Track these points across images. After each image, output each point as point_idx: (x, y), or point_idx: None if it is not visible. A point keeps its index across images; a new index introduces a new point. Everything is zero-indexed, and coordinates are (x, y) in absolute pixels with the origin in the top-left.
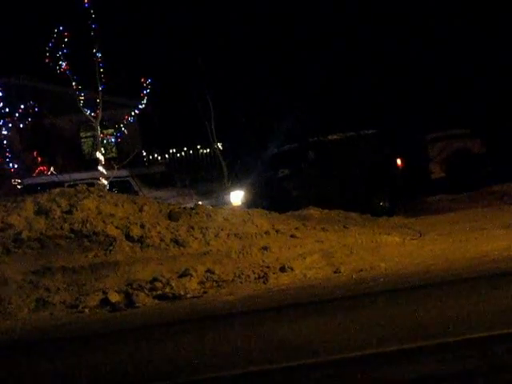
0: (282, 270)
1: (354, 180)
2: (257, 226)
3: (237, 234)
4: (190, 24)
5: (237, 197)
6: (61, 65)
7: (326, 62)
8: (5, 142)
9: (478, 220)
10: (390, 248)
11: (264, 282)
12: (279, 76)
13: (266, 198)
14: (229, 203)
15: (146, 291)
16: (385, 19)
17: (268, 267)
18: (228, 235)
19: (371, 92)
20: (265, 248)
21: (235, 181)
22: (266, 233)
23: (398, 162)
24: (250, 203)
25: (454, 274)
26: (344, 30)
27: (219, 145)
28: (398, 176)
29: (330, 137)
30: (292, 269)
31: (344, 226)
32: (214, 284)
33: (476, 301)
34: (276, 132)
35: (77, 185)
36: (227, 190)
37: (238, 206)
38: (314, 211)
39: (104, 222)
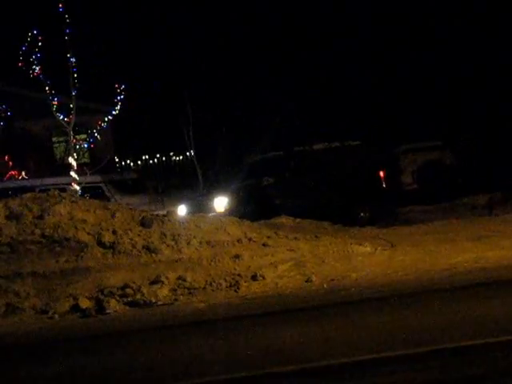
0: (254, 278)
1: (337, 190)
2: (229, 233)
3: (209, 242)
4: (167, 29)
5: (221, 203)
6: (34, 69)
7: (308, 69)
8: None
9: (449, 231)
10: (361, 258)
11: (235, 290)
12: (263, 81)
13: (249, 206)
14: (212, 210)
15: (117, 298)
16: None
17: (240, 275)
18: (200, 243)
19: (351, 102)
20: (237, 256)
21: (213, 187)
22: (239, 241)
23: (381, 173)
24: (233, 210)
25: (424, 285)
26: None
27: (192, 152)
28: (380, 188)
29: (314, 146)
30: (264, 277)
31: (316, 236)
32: (186, 291)
33: (445, 311)
34: (258, 138)
35: (49, 190)
36: (211, 196)
37: (220, 213)
38: (286, 220)
39: (76, 227)
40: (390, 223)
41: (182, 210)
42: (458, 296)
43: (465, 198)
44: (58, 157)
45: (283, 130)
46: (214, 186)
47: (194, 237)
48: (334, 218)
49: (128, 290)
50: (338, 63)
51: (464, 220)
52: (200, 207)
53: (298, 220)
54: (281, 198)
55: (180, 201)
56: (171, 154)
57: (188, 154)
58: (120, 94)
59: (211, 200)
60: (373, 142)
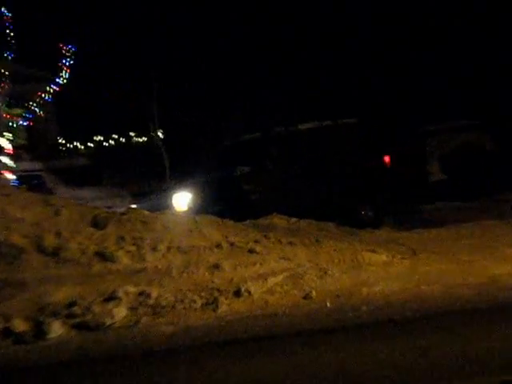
0: (237, 294)
1: (331, 181)
2: (206, 237)
3: (180, 248)
4: None
5: (181, 200)
6: None
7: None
8: None
9: (486, 236)
10: (374, 268)
11: (213, 310)
12: (240, 52)
13: (219, 203)
14: (171, 208)
15: (62, 318)
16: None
17: (219, 290)
18: (168, 249)
19: (353, 73)
20: (215, 266)
21: (180, 179)
22: (218, 246)
23: (386, 160)
24: (198, 208)
25: (454, 304)
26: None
27: (160, 133)
28: (385, 177)
29: (300, 126)
30: (250, 293)
31: (316, 240)
32: (150, 311)
33: (481, 338)
34: (234, 118)
35: None
36: (169, 191)
37: (182, 212)
38: (279, 220)
39: (8, 228)
40: (410, 224)
41: None
42: (499, 318)
43: (509, 194)
44: None
45: (262, 107)
46: (179, 177)
47: (161, 241)
48: (327, 216)
49: (75, 309)
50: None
51: (506, 222)
52: (156, 206)
53: (293, 220)
54: (258, 193)
55: (138, 197)
56: (132, 134)
57: (155, 134)
58: (67, 58)
59: (169, 196)
60: (379, 118)
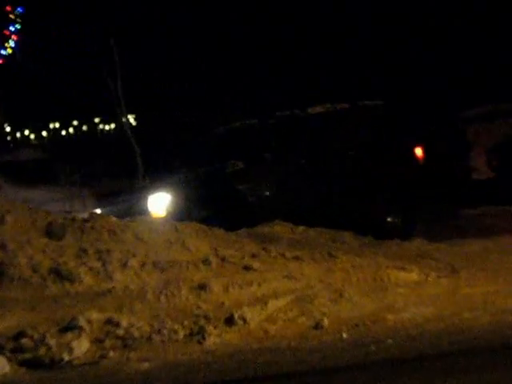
0: (229, 322)
1: (348, 180)
2: (189, 250)
3: (157, 264)
4: None
5: (158, 203)
6: None
7: None
8: None
9: None
10: (403, 290)
11: (199, 342)
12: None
13: (206, 206)
14: (145, 213)
15: (7, 353)
16: None
17: (206, 317)
18: (142, 265)
19: (378, 49)
20: (202, 286)
21: (157, 176)
22: (205, 262)
23: (418, 152)
24: (180, 213)
25: (505, 336)
26: None
27: (130, 118)
28: (417, 175)
29: (310, 110)
30: (245, 320)
31: (329, 254)
32: (119, 343)
33: None
34: (223, 101)
35: None
36: (143, 192)
37: (159, 218)
38: (281, 228)
39: None
40: (449, 234)
41: None
42: None
43: None
44: None
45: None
46: (156, 174)
47: (134, 255)
48: (342, 224)
49: (25, 342)
50: None
51: None
52: (127, 210)
53: (301, 229)
54: (256, 194)
55: (104, 199)
56: (97, 120)
57: (122, 120)
58: (14, 23)
59: (144, 198)
60: (409, 101)
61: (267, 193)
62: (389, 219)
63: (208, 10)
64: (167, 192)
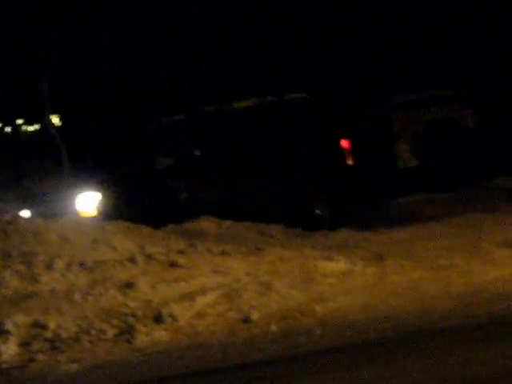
0: (158, 319)
1: (275, 173)
2: (116, 249)
3: (83, 264)
4: None
5: (88, 202)
6: None
7: None
8: None
9: (471, 233)
10: (330, 281)
11: (128, 341)
12: None
13: (136, 205)
14: (74, 213)
15: None
16: None
17: (135, 316)
18: (68, 266)
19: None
20: (129, 285)
21: (85, 174)
22: (131, 260)
23: (345, 144)
24: (110, 213)
25: (431, 321)
26: None
27: (55, 118)
28: (343, 166)
29: (236, 104)
30: (173, 317)
31: (257, 248)
32: (47, 346)
33: (464, 365)
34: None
35: None
36: (71, 191)
37: (89, 218)
38: (208, 223)
39: None
40: (376, 223)
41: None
42: (485, 337)
43: (498, 180)
44: None
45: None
46: (84, 172)
47: (59, 256)
48: (280, 217)
49: None
50: None
51: (494, 214)
52: (54, 211)
53: (227, 223)
54: (187, 191)
55: (29, 200)
56: (20, 122)
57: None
58: None
59: (72, 197)
60: (334, 93)
61: (198, 190)
62: (317, 211)
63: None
64: (97, 191)
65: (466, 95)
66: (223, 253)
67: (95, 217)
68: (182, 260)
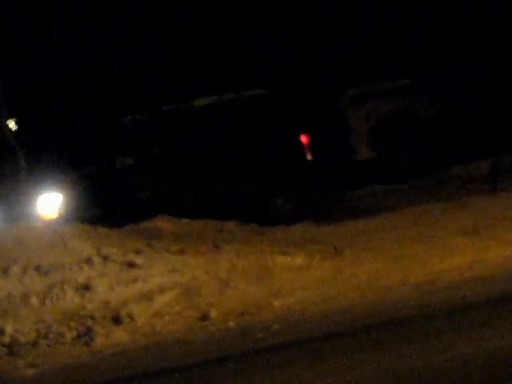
0: (116, 320)
1: (235, 168)
2: (72, 251)
3: (39, 267)
4: None
5: (49, 204)
6: None
7: None
8: None
9: (428, 223)
10: (288, 275)
11: (87, 343)
12: None
13: (97, 205)
14: (34, 215)
15: None
16: None
17: (93, 318)
18: (24, 270)
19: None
20: (86, 287)
21: (46, 175)
22: (88, 261)
23: (304, 139)
24: (73, 214)
25: (387, 312)
26: None
27: (11, 121)
28: (303, 160)
29: (196, 102)
30: (132, 318)
31: (214, 245)
32: (4, 351)
33: (415, 355)
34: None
35: None
36: (30, 193)
37: (51, 220)
38: (165, 222)
39: None
40: (334, 216)
41: None
42: (439, 326)
43: (454, 169)
44: None
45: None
46: (44, 173)
47: (15, 261)
48: (239, 213)
49: None
50: None
51: (452, 204)
52: (12, 214)
53: (184, 221)
54: (148, 189)
55: None
56: None
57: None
58: None
59: (33, 199)
60: (295, 87)
61: (158, 188)
62: (277, 205)
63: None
64: (59, 192)
65: (423, 85)
66: (180, 251)
67: (56, 218)
68: (139, 260)
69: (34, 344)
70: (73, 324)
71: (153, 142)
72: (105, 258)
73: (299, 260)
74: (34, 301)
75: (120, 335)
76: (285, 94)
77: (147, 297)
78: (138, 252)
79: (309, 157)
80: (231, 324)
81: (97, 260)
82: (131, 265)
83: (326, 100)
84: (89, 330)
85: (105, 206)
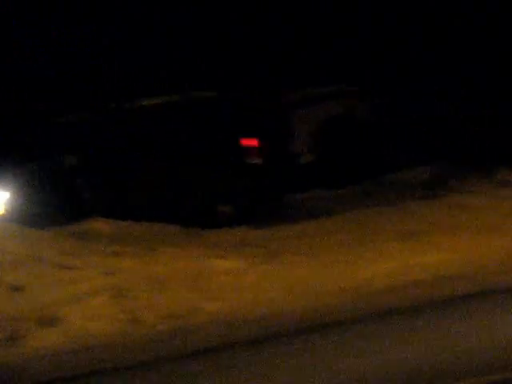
0: (48, 322)
1: (179, 171)
2: (4, 252)
3: None
4: None
5: None
6: None
7: None
8: None
9: (366, 228)
10: (223, 278)
11: (16, 346)
12: None
13: (43, 204)
14: None
15: None
16: None
17: (24, 319)
18: None
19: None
20: (16, 288)
21: None
22: (21, 263)
23: (248, 142)
24: (19, 212)
25: (316, 317)
26: None
27: None
28: (247, 164)
29: (143, 102)
30: (64, 320)
31: (151, 248)
32: None
33: (338, 359)
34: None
35: None
36: None
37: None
38: (102, 224)
39: None
40: (272, 221)
41: None
42: (369, 332)
43: (395, 174)
44: None
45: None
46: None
47: None
48: (181, 217)
49: None
50: None
51: (391, 208)
52: None
53: (123, 223)
54: (92, 190)
55: None
56: None
57: None
58: None
59: None
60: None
61: (100, 188)
62: (220, 209)
63: None
64: (5, 189)
65: (363, 89)
66: (116, 253)
67: (3, 215)
68: (72, 262)
69: None
70: (3, 326)
71: (98, 141)
72: (38, 260)
73: (236, 264)
74: None
75: (51, 338)
76: (233, 96)
77: (80, 299)
78: (72, 254)
79: (252, 160)
80: (162, 327)
81: (29, 261)
82: (65, 266)
83: (269, 102)
84: (19, 331)
85: (50, 205)
